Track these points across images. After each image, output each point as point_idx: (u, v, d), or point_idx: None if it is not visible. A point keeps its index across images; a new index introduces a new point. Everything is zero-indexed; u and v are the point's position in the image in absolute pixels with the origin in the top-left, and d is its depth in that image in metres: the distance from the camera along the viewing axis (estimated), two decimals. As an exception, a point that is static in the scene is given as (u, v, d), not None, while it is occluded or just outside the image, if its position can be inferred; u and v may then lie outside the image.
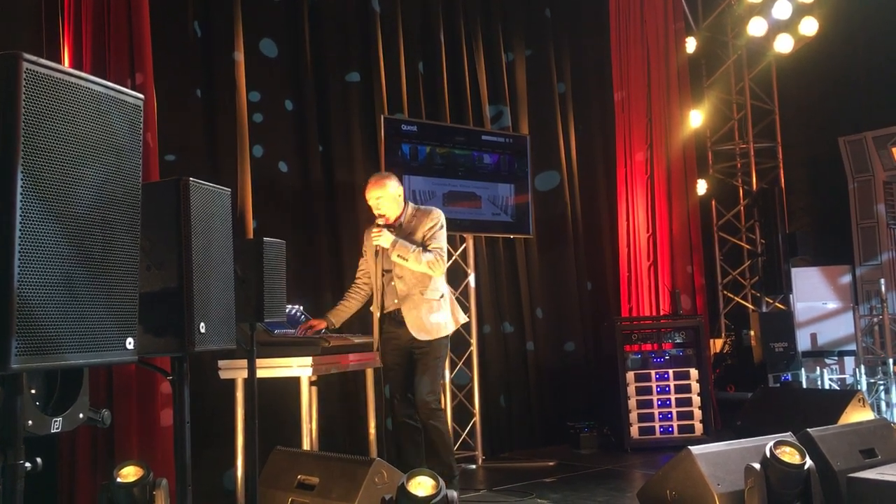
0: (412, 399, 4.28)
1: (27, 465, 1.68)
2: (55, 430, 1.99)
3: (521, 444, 6.30)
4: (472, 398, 5.78)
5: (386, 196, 4.25)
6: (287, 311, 4.09)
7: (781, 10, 7.45)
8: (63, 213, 1.60)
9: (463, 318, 4.49)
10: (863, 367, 6.54)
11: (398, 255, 4.17)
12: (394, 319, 4.29)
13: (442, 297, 4.33)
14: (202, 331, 2.43)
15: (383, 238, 4.18)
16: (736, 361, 7.65)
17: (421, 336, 4.22)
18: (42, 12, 4.20)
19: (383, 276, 4.32)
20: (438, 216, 4.35)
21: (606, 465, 5.46)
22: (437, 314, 4.28)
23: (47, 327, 1.55)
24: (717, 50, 8.22)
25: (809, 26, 7.51)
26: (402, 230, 4.29)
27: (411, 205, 4.41)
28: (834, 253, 7.71)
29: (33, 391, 1.95)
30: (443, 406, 4.58)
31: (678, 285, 6.88)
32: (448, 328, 4.34)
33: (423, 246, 4.23)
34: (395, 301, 4.28)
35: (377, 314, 4.35)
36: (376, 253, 4.33)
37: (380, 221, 4.25)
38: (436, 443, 4.24)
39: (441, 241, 4.30)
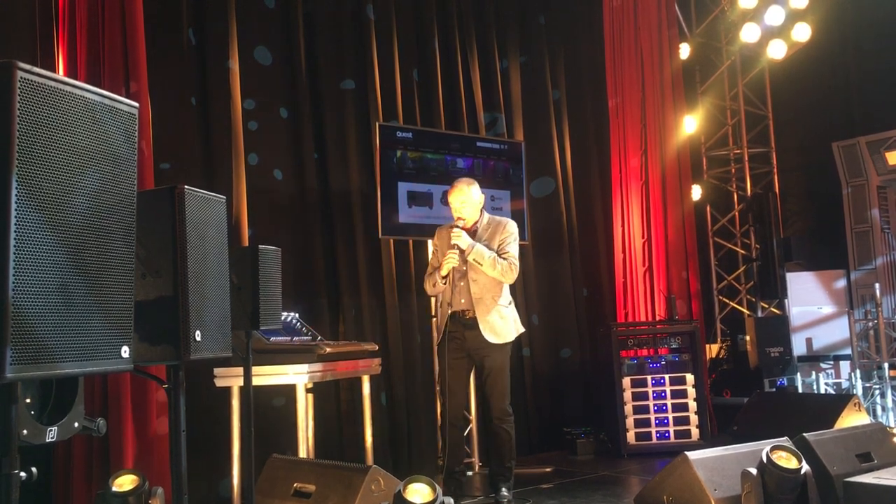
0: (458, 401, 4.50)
1: (22, 474, 1.68)
2: (50, 440, 1.98)
3: (517, 450, 6.20)
4: (468, 405, 5.76)
5: (470, 201, 4.42)
6: (283, 318, 4.09)
7: (774, 16, 7.48)
8: (58, 222, 1.60)
9: (521, 328, 4.60)
10: (858, 371, 6.54)
11: (474, 259, 4.32)
12: (460, 321, 4.39)
13: (510, 303, 4.52)
14: (198, 339, 2.42)
15: (462, 239, 4.30)
16: (732, 366, 7.66)
17: (492, 339, 4.37)
18: (36, 21, 4.20)
19: (456, 275, 4.40)
20: (513, 227, 4.52)
21: (603, 471, 5.45)
22: (505, 319, 4.45)
23: (42, 336, 1.54)
24: (711, 56, 8.25)
25: (802, 32, 7.54)
26: (476, 236, 4.43)
27: (486, 214, 4.56)
28: (828, 257, 7.72)
29: (28, 400, 1.94)
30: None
31: (674, 291, 6.89)
32: (513, 334, 4.50)
33: (497, 253, 4.39)
34: (463, 301, 4.38)
35: (447, 311, 4.43)
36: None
37: (458, 223, 4.38)
38: (504, 446, 4.45)
39: (515, 249, 4.47)
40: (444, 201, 5.65)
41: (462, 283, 4.40)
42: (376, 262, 5.65)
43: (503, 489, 4.43)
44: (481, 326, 4.36)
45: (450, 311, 4.41)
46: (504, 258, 4.38)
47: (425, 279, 4.58)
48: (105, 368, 1.73)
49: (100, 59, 4.28)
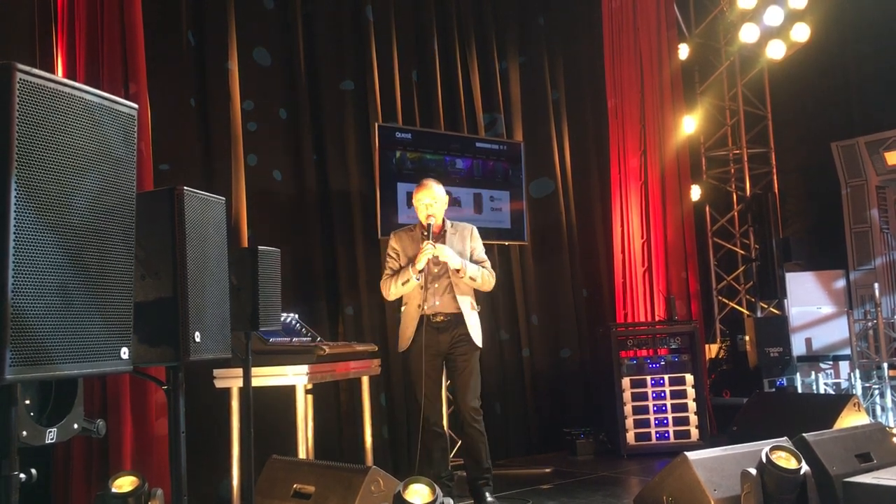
0: (437, 406, 4.42)
1: (22, 476, 1.68)
2: (50, 441, 1.98)
3: (517, 450, 6.29)
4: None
5: (440, 202, 4.42)
6: (282, 319, 4.09)
7: (773, 17, 7.48)
8: (58, 223, 1.60)
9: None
10: (857, 371, 6.55)
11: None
12: (432, 325, 4.32)
13: (478, 308, 4.55)
14: (197, 340, 2.42)
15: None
16: (731, 367, 7.66)
17: (476, 339, 4.36)
18: (36, 22, 4.19)
19: (427, 277, 4.36)
20: (477, 232, 4.54)
21: (603, 472, 5.46)
22: (477, 322, 4.44)
23: (42, 337, 1.54)
24: (710, 56, 8.26)
25: (801, 32, 7.54)
26: (445, 239, 4.40)
27: (447, 219, 4.54)
28: (828, 258, 7.73)
29: (28, 401, 1.94)
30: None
31: (673, 291, 6.89)
32: (481, 338, 4.49)
33: (474, 262, 4.42)
34: (438, 304, 4.34)
35: (415, 314, 4.37)
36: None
37: (430, 221, 4.34)
38: (480, 446, 4.36)
39: (486, 256, 4.52)
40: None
41: (436, 285, 4.35)
42: (376, 263, 5.64)
43: (487, 494, 4.35)
44: (467, 326, 4.33)
45: (420, 314, 4.33)
46: (484, 267, 4.42)
47: (386, 282, 4.43)
48: (104, 370, 1.72)
49: (99, 60, 4.28)
